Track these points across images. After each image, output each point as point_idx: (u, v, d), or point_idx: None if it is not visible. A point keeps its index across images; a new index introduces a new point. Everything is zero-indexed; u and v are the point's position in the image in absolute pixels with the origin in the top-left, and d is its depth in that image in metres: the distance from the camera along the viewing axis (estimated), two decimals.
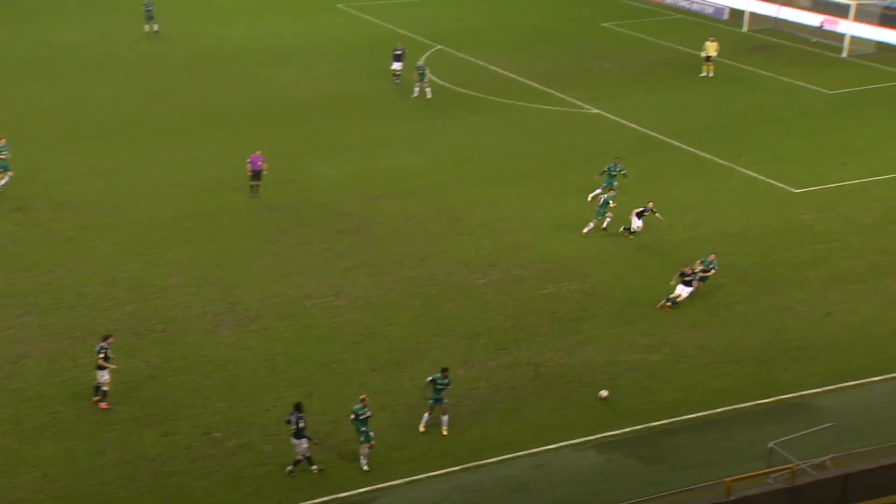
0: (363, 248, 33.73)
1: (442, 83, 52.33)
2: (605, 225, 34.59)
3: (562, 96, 50.48)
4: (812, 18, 65.16)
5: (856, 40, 59.34)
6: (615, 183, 36.53)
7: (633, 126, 45.72)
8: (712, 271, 30.46)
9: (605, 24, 66.32)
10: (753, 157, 42.16)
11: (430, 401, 24.53)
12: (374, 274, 32.02)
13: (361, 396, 23.52)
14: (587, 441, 24.17)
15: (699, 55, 55.34)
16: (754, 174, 40.14)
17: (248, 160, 37.36)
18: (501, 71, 54.47)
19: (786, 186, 38.97)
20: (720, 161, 41.55)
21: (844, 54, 58.47)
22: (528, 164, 41.45)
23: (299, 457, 23.10)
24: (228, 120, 46.48)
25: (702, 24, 66.71)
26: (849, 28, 59.15)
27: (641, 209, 34.36)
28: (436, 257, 33.19)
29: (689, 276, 29.84)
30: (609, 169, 37.18)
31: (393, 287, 31.23)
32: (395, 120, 47.01)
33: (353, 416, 23.16)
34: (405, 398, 25.70)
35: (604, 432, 24.42)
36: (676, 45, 60.91)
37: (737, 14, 67.37)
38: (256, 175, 37.32)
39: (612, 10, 70.80)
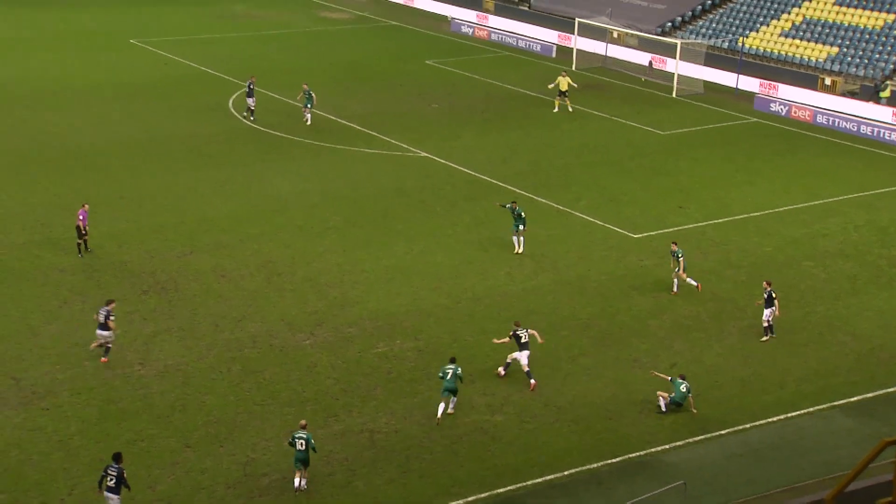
0: (172, 309, 32.85)
1: (252, 125, 51.95)
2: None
3: (386, 138, 51.03)
4: (641, 57, 68.71)
5: (684, 79, 62.89)
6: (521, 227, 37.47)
7: (463, 169, 46.68)
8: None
9: (429, 62, 67.69)
10: (590, 200, 43.76)
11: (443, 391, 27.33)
12: (185, 338, 31.19)
13: (302, 422, 25.20)
14: None
15: (550, 88, 57.34)
16: (592, 219, 41.63)
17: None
18: (318, 112, 54.56)
19: (624, 231, 40.60)
20: (556, 206, 42.90)
21: (674, 94, 61.82)
22: (352, 212, 41.55)
23: None
24: None
25: (529, 62, 69.12)
26: (677, 67, 62.65)
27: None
28: (255, 317, 32.66)
29: (520, 335, 29.49)
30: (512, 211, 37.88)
31: (207, 352, 30.49)
32: (203, 166, 46.27)
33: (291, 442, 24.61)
34: (224, 476, 25.01)
35: (446, 503, 24.46)
36: (505, 83, 62.80)
37: (565, 52, 70.21)
38: (79, 232, 35.86)
39: (437, 47, 72.42)
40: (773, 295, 32.30)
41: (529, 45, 72.71)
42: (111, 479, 22.91)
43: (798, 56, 65.60)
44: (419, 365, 30.32)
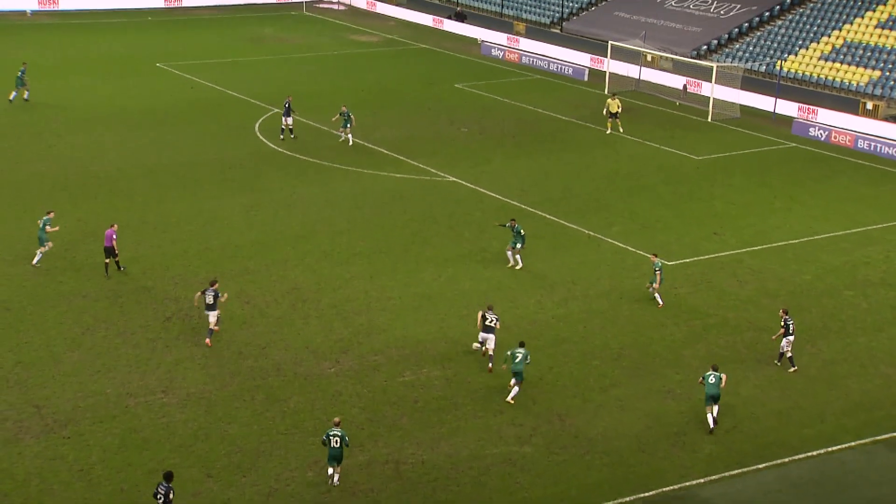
0: (195, 337, 32.93)
1: (280, 150, 52.27)
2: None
3: (414, 163, 51.15)
4: (675, 80, 68.61)
5: (720, 103, 62.69)
6: (518, 245, 38.73)
7: (493, 195, 46.67)
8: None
9: (459, 85, 67.91)
10: (622, 227, 43.60)
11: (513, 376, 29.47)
12: (208, 366, 31.26)
13: (336, 419, 26.36)
14: None
15: (604, 115, 57.78)
16: (624, 245, 41.45)
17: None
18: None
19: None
20: (587, 231, 42.77)
21: (710, 118, 61.62)
22: (379, 237, 41.62)
23: None
24: (25, 194, 45.02)
25: (561, 86, 69.19)
26: (712, 91, 62.47)
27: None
28: (279, 345, 32.71)
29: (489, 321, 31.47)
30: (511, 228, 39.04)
31: (231, 380, 30.54)
32: (229, 191, 46.54)
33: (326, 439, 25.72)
34: None
35: None
36: (536, 107, 62.87)
37: (597, 75, 70.23)
38: (107, 252, 36.59)
39: (467, 71, 72.67)
40: (790, 323, 32.05)
41: (561, 68, 72.81)
42: (159, 497, 23.37)
43: (838, 80, 65.28)
44: (446, 394, 30.22)
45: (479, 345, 31.96)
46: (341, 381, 30.70)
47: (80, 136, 54.14)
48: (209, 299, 32.19)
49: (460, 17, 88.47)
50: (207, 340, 32.21)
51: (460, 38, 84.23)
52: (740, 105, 63.25)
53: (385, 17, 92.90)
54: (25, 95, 59.26)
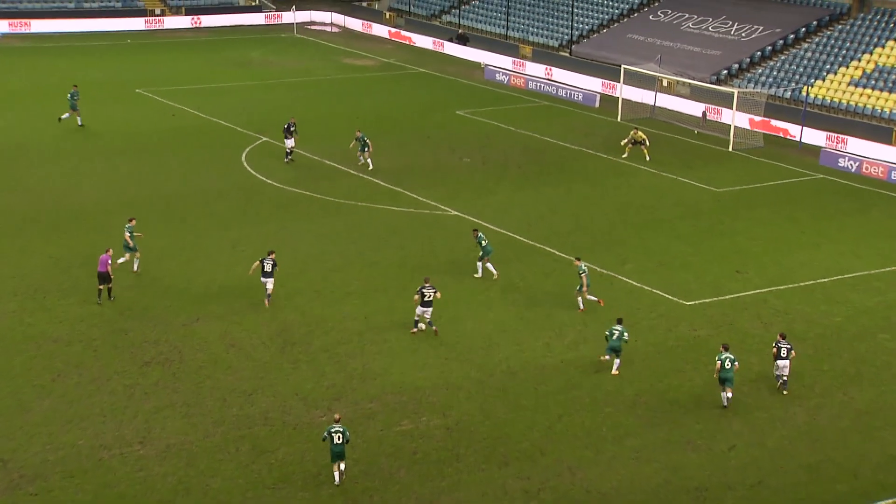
0: (175, 383, 32.90)
1: (268, 181, 52.44)
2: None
3: (413, 195, 51.29)
4: (693, 107, 68.97)
5: (741, 132, 62.97)
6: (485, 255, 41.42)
7: (498, 229, 46.76)
8: None
9: (460, 112, 68.26)
10: (637, 264, 43.64)
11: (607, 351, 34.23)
12: (189, 415, 31.19)
13: (336, 416, 28.55)
14: None
15: (622, 145, 58.78)
16: (639, 284, 41.48)
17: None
18: (339, 166, 55.03)
19: (675, 298, 40.39)
20: (599, 269, 42.80)
21: (730, 147, 61.87)
22: (376, 275, 41.66)
23: None
24: None
25: (570, 112, 69.57)
26: (733, 119, 62.76)
27: None
28: (267, 391, 32.65)
29: (427, 296, 35.62)
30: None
31: (214, 430, 30.46)
32: (214, 226, 46.64)
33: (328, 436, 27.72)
34: None
35: None
36: (543, 135, 63.15)
37: (609, 101, 70.59)
38: (101, 278, 37.62)
39: (469, 96, 73.11)
40: (784, 347, 33.42)
41: (570, 94, 73.23)
42: None
43: (870, 107, 65.66)
44: (447, 445, 30.13)
45: (422, 325, 36.01)
46: None
47: (54, 166, 54.35)
48: (267, 267, 37.72)
49: (462, 40, 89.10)
50: (266, 302, 38.06)
51: (462, 61, 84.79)
52: (764, 133, 63.51)
53: (382, 40, 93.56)
54: (79, 121, 60.80)
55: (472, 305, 39.26)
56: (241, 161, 55.92)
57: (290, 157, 55.17)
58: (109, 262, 37.77)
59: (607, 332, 34.25)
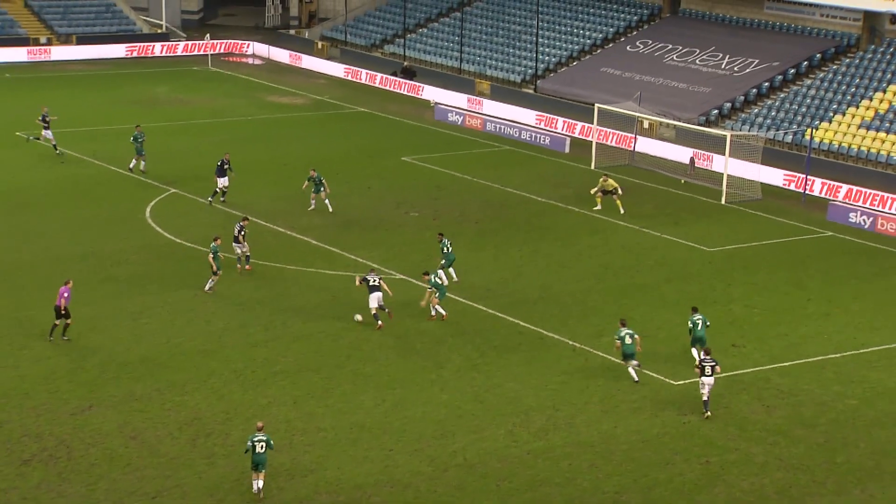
0: (62, 485, 32.41)
1: (177, 240, 52.19)
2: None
3: (351, 256, 51.30)
4: (680, 153, 69.65)
5: (736, 181, 63.61)
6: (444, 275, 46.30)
7: (451, 296, 46.79)
8: None
9: (406, 158, 68.56)
10: (614, 335, 43.70)
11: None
12: None
13: (259, 424, 31.68)
14: None
15: (592, 194, 59.24)
16: (619, 361, 41.56)
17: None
18: (264, 223, 54.87)
19: (661, 377, 40.52)
20: (570, 342, 42.88)
21: (723, 199, 62.50)
22: (306, 352, 41.50)
23: None
24: None
25: (536, 158, 70.12)
26: (726, 166, 63.40)
27: None
28: (174, 493, 32.24)
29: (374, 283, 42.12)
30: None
31: None
32: (111, 294, 46.36)
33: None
34: None
35: None
36: (505, 185, 63.52)
37: (581, 146, 71.18)
38: (59, 312, 40.41)
39: (417, 140, 73.51)
40: (713, 365, 37.14)
41: (536, 137, 73.81)
42: None
43: (884, 153, 66.61)
44: None
45: (374, 309, 42.30)
46: None
47: None
48: (236, 231, 47.29)
49: (408, 74, 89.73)
50: (248, 266, 47.79)
51: (408, 99, 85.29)
52: (761, 184, 64.24)
53: (313, 74, 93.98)
54: (142, 166, 62.45)
55: (422, 385, 39.14)
56: (144, 217, 55.67)
57: (223, 198, 57.45)
58: (66, 294, 40.51)
59: (690, 324, 40.67)
